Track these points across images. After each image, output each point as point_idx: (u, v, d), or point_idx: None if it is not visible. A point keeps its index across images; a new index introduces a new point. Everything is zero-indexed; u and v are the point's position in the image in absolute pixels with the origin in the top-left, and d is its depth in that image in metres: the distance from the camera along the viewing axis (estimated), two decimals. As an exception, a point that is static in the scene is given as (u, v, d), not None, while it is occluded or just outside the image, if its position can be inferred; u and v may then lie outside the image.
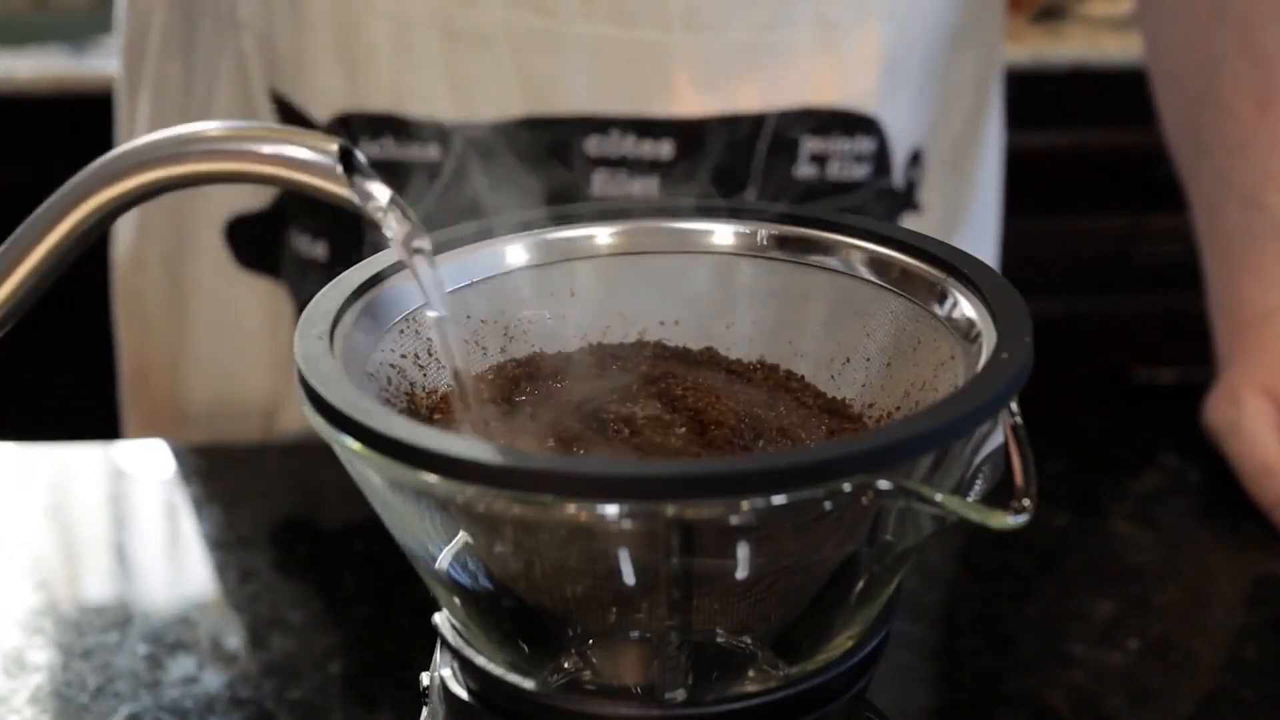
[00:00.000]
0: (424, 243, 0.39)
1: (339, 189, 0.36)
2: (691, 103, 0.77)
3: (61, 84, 1.86)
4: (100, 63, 1.88)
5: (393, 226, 0.38)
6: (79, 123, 1.87)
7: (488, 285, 0.45)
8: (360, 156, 0.37)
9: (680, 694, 0.38)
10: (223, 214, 0.84)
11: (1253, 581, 0.69)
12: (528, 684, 0.38)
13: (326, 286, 0.41)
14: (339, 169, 0.36)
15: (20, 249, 0.38)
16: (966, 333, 0.40)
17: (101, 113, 1.52)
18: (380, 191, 0.37)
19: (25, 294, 0.38)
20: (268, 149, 0.37)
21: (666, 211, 0.47)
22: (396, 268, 0.43)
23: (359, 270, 0.42)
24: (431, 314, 0.39)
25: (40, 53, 1.92)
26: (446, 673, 0.40)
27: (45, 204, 0.38)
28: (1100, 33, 1.96)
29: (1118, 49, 1.90)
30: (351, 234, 0.76)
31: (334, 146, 0.37)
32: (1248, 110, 0.77)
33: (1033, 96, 0.96)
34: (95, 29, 1.98)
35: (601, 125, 0.77)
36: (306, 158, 0.36)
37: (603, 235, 0.46)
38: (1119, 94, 1.87)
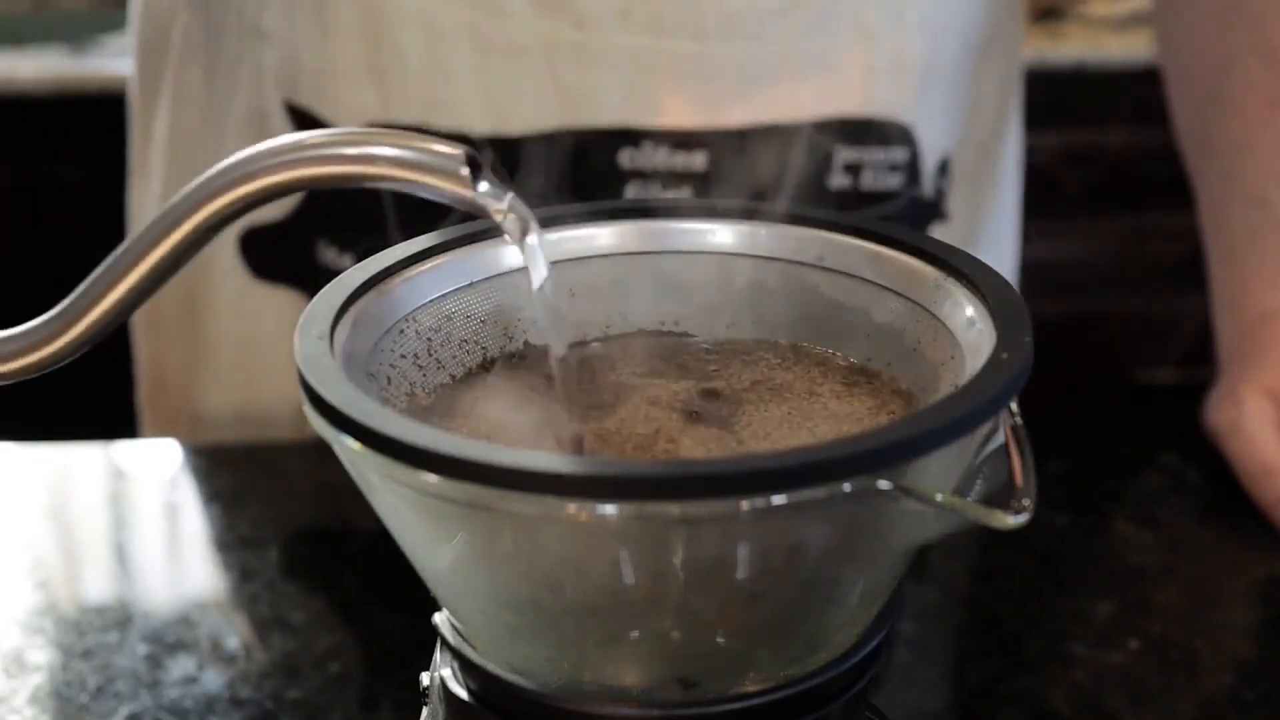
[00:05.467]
0: (537, 239, 0.40)
1: (463, 191, 0.37)
2: (725, 114, 0.77)
3: (62, 84, 1.86)
4: (101, 63, 1.88)
5: (512, 229, 0.39)
6: (79, 123, 1.87)
7: (488, 285, 0.45)
8: (481, 159, 0.38)
9: (680, 694, 0.38)
10: (237, 226, 0.84)
11: (1253, 582, 0.69)
12: (528, 684, 0.38)
13: (326, 286, 0.41)
14: (464, 171, 0.37)
15: (134, 255, 0.39)
16: (966, 333, 0.40)
17: (102, 113, 1.52)
18: (500, 195, 0.38)
19: (133, 300, 0.39)
20: (390, 152, 0.37)
21: (667, 211, 0.47)
22: (396, 268, 0.43)
23: (359, 270, 0.42)
24: (540, 299, 0.41)
25: (41, 53, 1.92)
26: (446, 673, 0.41)
27: (164, 209, 0.38)
28: (1101, 33, 1.96)
29: (1118, 49, 1.90)
30: (380, 245, 0.76)
31: (459, 151, 0.37)
32: (1257, 110, 0.77)
33: (1033, 96, 0.96)
34: (96, 29, 1.98)
35: (634, 137, 0.77)
36: (430, 161, 0.37)
37: (603, 235, 0.46)
38: (1119, 94, 1.88)
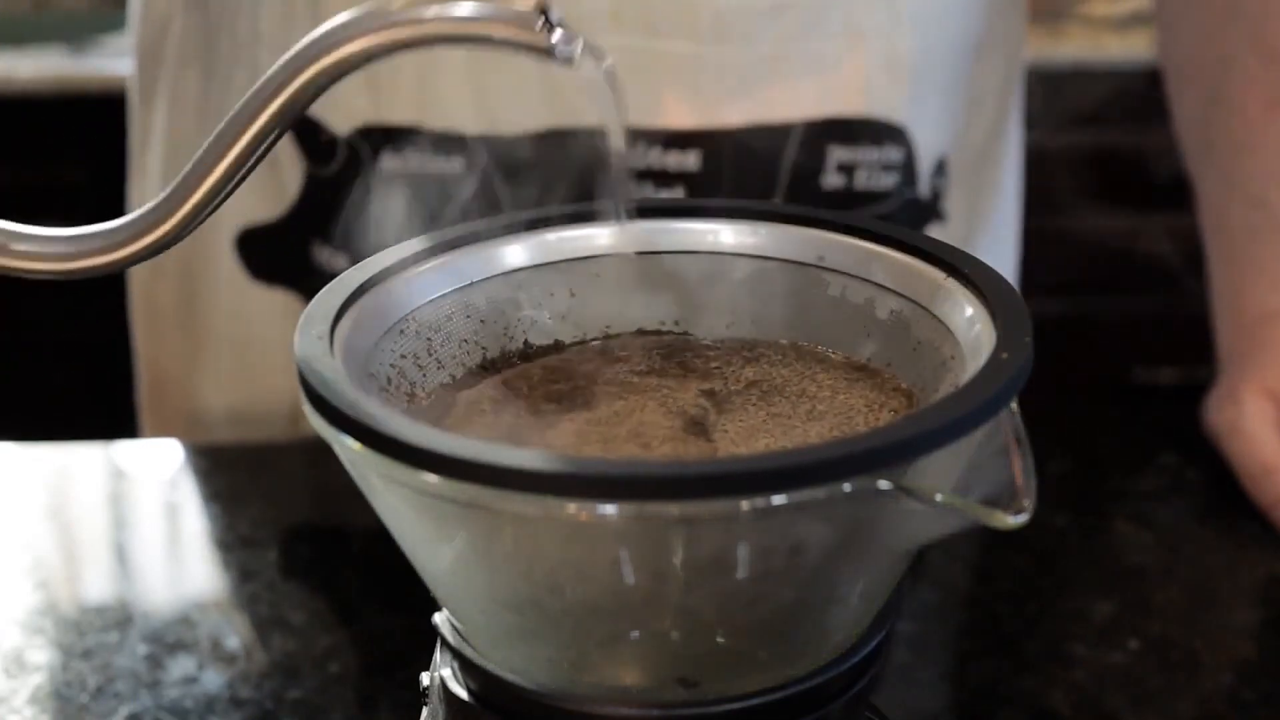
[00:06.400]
0: (613, 74, 0.42)
1: (538, 41, 0.39)
2: (719, 114, 0.77)
3: (62, 84, 1.86)
4: (101, 63, 1.88)
5: (588, 70, 0.41)
6: (79, 123, 1.87)
7: (488, 285, 0.45)
8: (555, 12, 0.39)
9: (680, 694, 0.38)
10: (234, 225, 0.84)
11: (1253, 581, 0.69)
12: (528, 684, 0.38)
13: (326, 286, 0.41)
14: (539, 22, 0.39)
15: (233, 133, 0.40)
16: (966, 333, 0.40)
17: (102, 113, 1.52)
18: (572, 41, 0.40)
19: (248, 158, 0.41)
20: (467, 11, 0.39)
21: (667, 211, 0.47)
22: (396, 268, 0.43)
23: (359, 270, 0.42)
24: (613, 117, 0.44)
25: (40, 53, 1.91)
26: (446, 673, 0.40)
27: (257, 85, 0.40)
28: (1101, 33, 1.96)
29: (1118, 49, 1.90)
30: (375, 246, 0.76)
31: (531, 2, 0.39)
32: (1257, 109, 0.77)
33: (1033, 96, 0.96)
34: (96, 29, 1.98)
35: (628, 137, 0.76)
36: (506, 14, 0.39)
37: (602, 235, 0.46)
38: (1119, 94, 1.88)
